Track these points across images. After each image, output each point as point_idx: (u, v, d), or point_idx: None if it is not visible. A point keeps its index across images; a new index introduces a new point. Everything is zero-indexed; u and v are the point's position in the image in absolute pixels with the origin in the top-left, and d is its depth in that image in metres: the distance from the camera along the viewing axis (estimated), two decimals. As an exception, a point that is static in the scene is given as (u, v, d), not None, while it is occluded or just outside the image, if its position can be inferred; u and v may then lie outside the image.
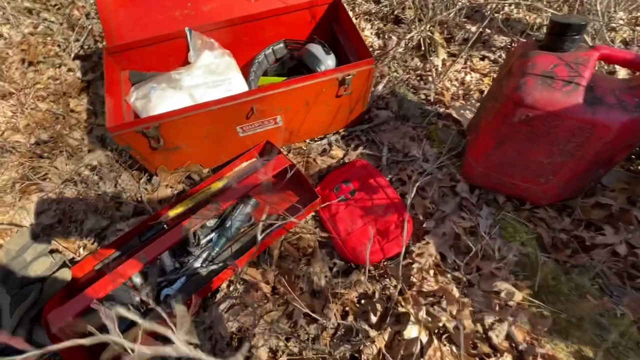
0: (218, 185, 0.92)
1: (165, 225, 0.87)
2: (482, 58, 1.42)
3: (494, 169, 0.80)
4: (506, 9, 1.61)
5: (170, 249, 0.78)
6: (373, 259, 0.79)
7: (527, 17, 1.55)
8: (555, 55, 0.66)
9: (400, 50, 1.17)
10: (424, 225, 0.84)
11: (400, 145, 1.00)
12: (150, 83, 0.92)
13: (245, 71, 1.07)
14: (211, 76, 0.94)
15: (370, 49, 1.35)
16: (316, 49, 0.94)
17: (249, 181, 0.85)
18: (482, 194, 0.88)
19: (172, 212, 0.88)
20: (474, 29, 1.44)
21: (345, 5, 0.95)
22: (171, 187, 0.95)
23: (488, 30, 1.49)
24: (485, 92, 0.88)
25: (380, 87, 1.14)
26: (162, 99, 0.89)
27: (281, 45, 1.01)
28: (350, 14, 1.45)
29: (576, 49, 0.66)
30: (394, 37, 1.23)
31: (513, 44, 1.44)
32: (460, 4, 1.25)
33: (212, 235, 0.85)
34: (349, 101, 0.93)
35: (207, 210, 0.80)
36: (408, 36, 1.22)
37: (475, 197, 0.87)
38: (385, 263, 0.80)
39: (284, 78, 1.05)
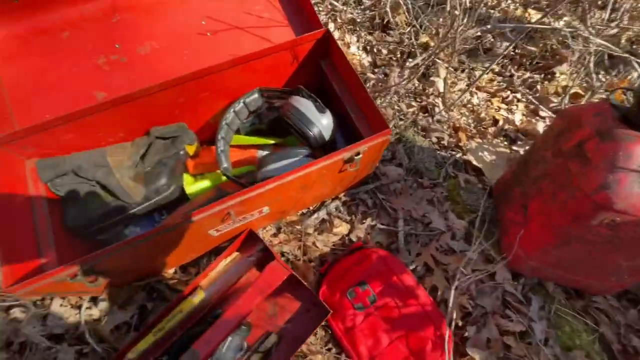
0: (193, 302, 0.68)
1: (124, 374, 0.63)
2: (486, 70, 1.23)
3: (551, 265, 0.64)
4: (502, 4, 1.41)
5: None
6: (410, 394, 0.62)
7: (527, 15, 1.37)
8: (654, 141, 0.48)
9: (404, 83, 0.95)
10: (465, 334, 0.67)
11: (418, 213, 0.81)
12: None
13: (206, 132, 0.81)
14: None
15: (360, 70, 1.11)
16: (306, 105, 0.69)
17: (238, 308, 0.62)
18: (527, 281, 0.72)
19: (132, 354, 0.64)
20: (471, 31, 1.23)
21: (332, 32, 0.70)
22: (125, 309, 0.70)
23: (488, 36, 1.29)
24: (527, 154, 0.70)
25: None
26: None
27: (255, 96, 0.75)
28: (332, 25, 1.19)
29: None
30: (395, 69, 1.00)
31: (516, 50, 1.27)
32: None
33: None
34: (354, 173, 0.71)
35: (181, 367, 0.57)
36: (412, 63, 0.99)
37: (520, 286, 0.71)
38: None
39: (263, 139, 0.80)
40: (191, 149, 0.77)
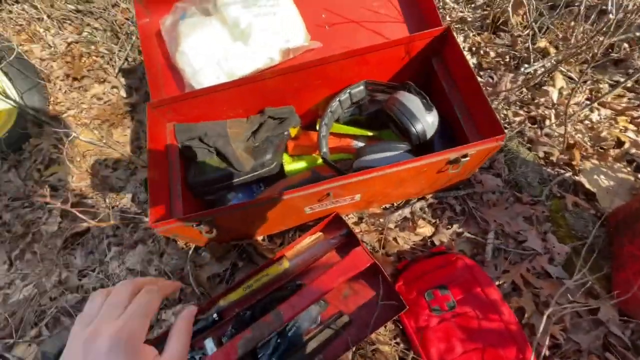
0: (278, 269, 0.75)
1: (215, 317, 0.73)
2: (613, 84, 1.07)
3: (680, 316, 0.55)
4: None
5: None
6: (479, 410, 0.60)
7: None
8: None
9: (515, 89, 0.88)
10: (552, 366, 0.62)
11: (512, 229, 0.76)
12: (183, 4, 0.74)
13: (307, 118, 0.86)
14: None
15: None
16: (412, 101, 0.70)
17: (320, 283, 0.67)
18: (638, 326, 0.63)
19: (224, 302, 0.74)
20: (602, 38, 1.08)
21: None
22: (221, 262, 0.80)
23: (625, 45, 1.12)
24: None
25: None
26: (191, 28, 0.71)
27: (361, 87, 0.78)
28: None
29: None
30: (508, 74, 0.94)
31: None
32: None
33: (272, 337, 0.70)
34: (451, 175, 0.70)
35: (265, 323, 0.64)
36: (528, 69, 0.91)
37: (629, 331, 0.63)
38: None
39: (360, 130, 0.83)
40: (293, 131, 0.84)
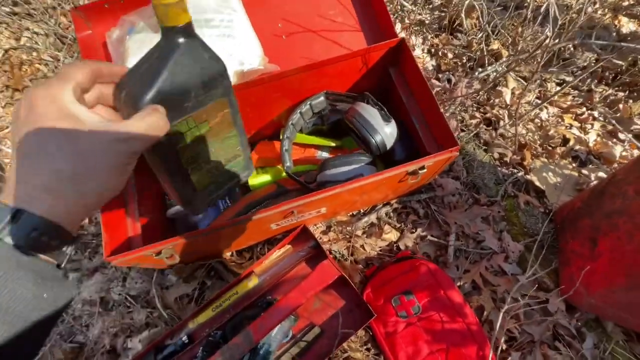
0: (247, 286, 0.74)
1: (185, 339, 0.72)
2: (560, 83, 1.14)
3: (616, 306, 0.61)
4: (589, 9, 1.28)
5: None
6: (445, 407, 0.63)
7: (617, 23, 1.24)
8: None
9: (471, 92, 0.92)
10: (509, 359, 0.66)
11: (471, 230, 0.80)
12: (131, 17, 0.70)
13: (271, 129, 0.85)
14: (203, 14, 0.70)
15: (423, 72, 1.09)
16: (370, 113, 0.70)
17: (289, 299, 0.67)
18: (582, 315, 0.69)
19: (192, 324, 0.72)
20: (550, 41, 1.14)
21: (405, 39, 0.69)
22: (189, 283, 0.78)
23: (570, 46, 1.19)
24: (604, 185, 0.66)
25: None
26: (139, 45, 0.67)
27: (321, 99, 0.78)
28: (399, 26, 1.17)
29: None
30: (463, 79, 0.97)
31: (599, 62, 1.16)
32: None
33: (243, 357, 0.70)
34: (412, 183, 0.72)
35: (235, 345, 0.64)
36: (482, 73, 0.95)
37: (574, 320, 0.68)
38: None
39: (323, 140, 0.83)
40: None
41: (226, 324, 0.72)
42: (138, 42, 0.67)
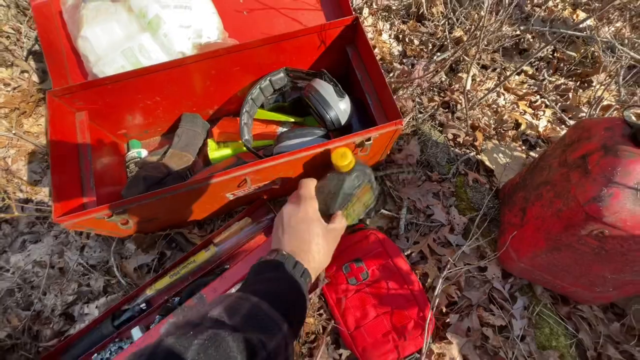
0: (204, 255, 0.77)
1: (143, 306, 0.74)
2: (518, 72, 1.20)
3: (540, 269, 0.66)
4: (550, 2, 1.34)
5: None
6: (386, 362, 0.68)
7: (575, 17, 1.30)
8: (656, 161, 0.49)
9: (429, 76, 0.96)
10: (447, 320, 0.72)
11: (422, 204, 0.84)
12: None
13: (233, 104, 0.87)
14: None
15: (388, 58, 1.12)
16: (326, 89, 0.73)
17: (243, 265, 0.70)
18: (517, 281, 0.75)
19: (150, 291, 0.74)
20: (508, 29, 1.19)
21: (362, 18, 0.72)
22: (148, 252, 0.80)
23: (528, 36, 1.25)
24: (534, 164, 0.71)
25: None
26: (94, 13, 0.68)
27: (281, 74, 0.80)
28: (367, 11, 1.19)
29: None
30: (422, 61, 1.00)
31: (555, 54, 1.22)
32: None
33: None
34: (365, 158, 0.75)
35: (188, 307, 0.66)
36: (439, 57, 0.99)
37: (508, 285, 0.74)
38: (399, 366, 0.69)
39: (284, 117, 0.85)
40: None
41: (183, 290, 0.75)
42: (94, 10, 0.68)
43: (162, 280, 0.75)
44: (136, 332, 0.70)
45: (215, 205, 0.76)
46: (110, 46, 0.67)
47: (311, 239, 0.51)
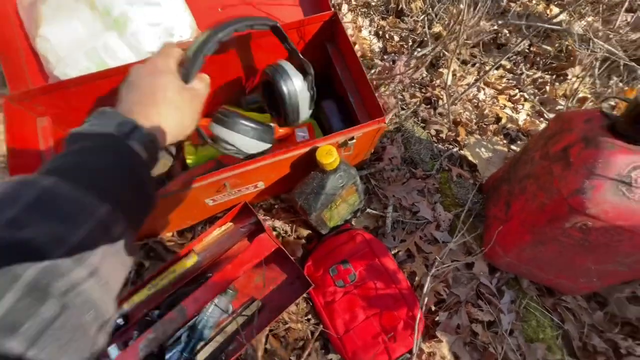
0: (186, 264, 0.73)
1: (120, 321, 0.70)
2: (497, 67, 1.21)
3: (525, 262, 0.67)
4: (525, -2, 1.36)
5: None
6: (377, 366, 0.67)
7: (549, 12, 1.33)
8: (636, 151, 0.49)
9: (410, 72, 0.95)
10: (437, 319, 0.71)
11: (408, 202, 0.83)
12: None
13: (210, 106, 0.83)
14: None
15: (369, 55, 1.11)
16: (286, 64, 0.66)
17: (225, 273, 0.67)
18: (503, 275, 0.75)
19: (127, 305, 0.70)
20: (486, 24, 1.20)
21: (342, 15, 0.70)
22: (125, 264, 0.75)
23: (505, 30, 1.26)
24: (519, 154, 0.71)
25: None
26: (53, 10, 0.61)
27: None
28: (345, 7, 1.18)
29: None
30: (402, 58, 0.99)
31: (532, 48, 1.24)
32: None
33: (181, 334, 0.69)
34: (349, 157, 0.73)
35: (168, 320, 0.63)
36: (420, 53, 0.98)
37: (495, 280, 0.74)
38: (391, 368, 0.68)
39: (261, 115, 0.82)
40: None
41: (163, 303, 0.71)
42: (53, 8, 0.63)
43: (140, 292, 0.71)
44: (113, 350, 0.66)
45: (195, 212, 0.73)
46: (73, 46, 0.62)
47: (156, 91, 0.38)
